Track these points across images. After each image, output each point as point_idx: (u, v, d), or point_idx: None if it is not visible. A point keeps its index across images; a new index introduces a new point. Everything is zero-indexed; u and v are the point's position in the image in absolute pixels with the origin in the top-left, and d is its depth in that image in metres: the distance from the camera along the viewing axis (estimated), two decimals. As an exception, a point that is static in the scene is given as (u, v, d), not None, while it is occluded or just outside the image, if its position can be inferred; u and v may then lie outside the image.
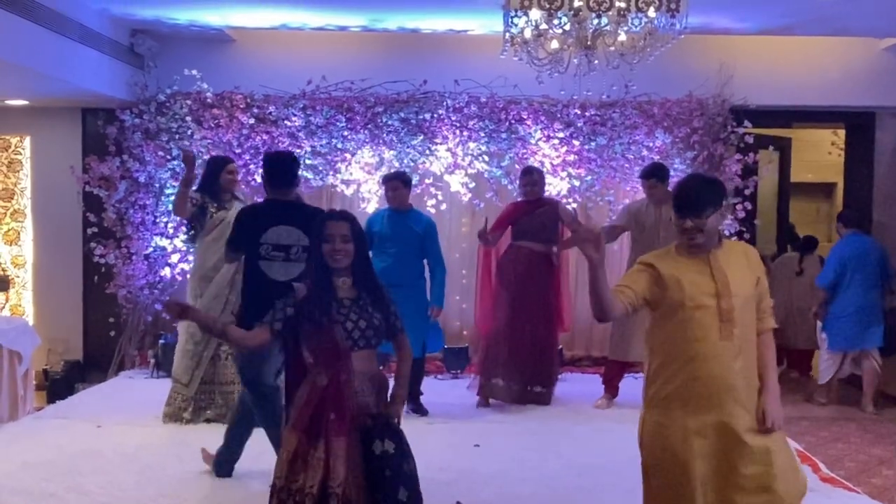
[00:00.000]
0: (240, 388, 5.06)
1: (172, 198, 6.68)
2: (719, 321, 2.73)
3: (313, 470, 2.70)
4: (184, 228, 5.74)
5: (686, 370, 2.76)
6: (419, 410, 5.39)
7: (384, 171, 6.76)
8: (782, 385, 2.90)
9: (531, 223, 5.77)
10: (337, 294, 2.87)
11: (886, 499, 4.23)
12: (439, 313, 5.54)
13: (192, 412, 5.16)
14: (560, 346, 6.93)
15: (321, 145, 6.78)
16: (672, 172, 6.71)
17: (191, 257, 6.80)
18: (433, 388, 5.73)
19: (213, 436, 4.88)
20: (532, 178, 5.82)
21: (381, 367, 3.03)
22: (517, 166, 6.89)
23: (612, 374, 5.98)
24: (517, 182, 6.86)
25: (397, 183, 5.50)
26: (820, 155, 8.87)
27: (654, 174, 5.75)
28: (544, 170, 6.86)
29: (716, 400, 2.73)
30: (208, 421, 5.16)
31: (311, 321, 2.82)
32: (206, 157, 6.65)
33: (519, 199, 5.99)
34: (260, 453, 4.51)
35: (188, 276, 5.36)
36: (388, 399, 2.96)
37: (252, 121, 6.68)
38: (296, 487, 2.71)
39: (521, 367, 5.69)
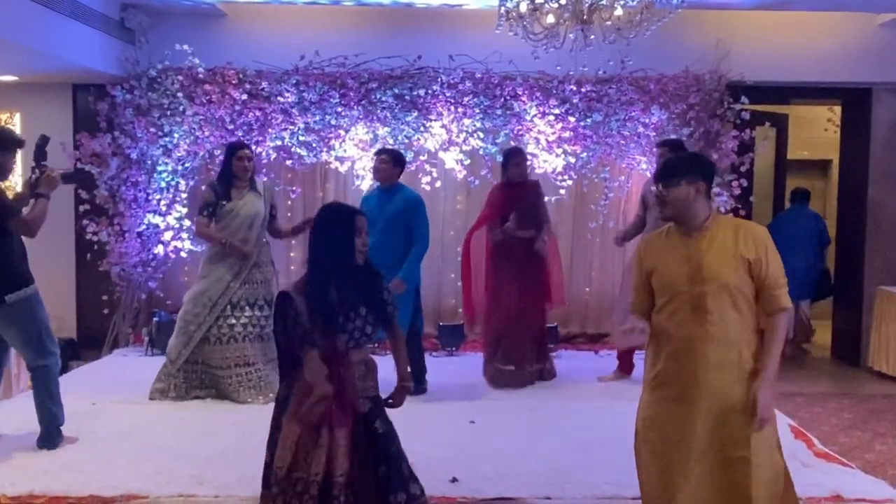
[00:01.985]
0: (228, 372, 5.10)
1: (165, 174, 6.67)
2: (690, 306, 2.71)
3: (318, 459, 2.71)
4: None
5: (668, 356, 2.78)
6: (419, 390, 5.37)
7: (378, 147, 6.71)
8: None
9: (517, 206, 5.66)
10: (350, 292, 2.83)
11: (880, 473, 4.25)
12: (400, 286, 4.99)
13: (178, 390, 5.18)
14: (555, 324, 6.96)
15: (314, 122, 6.72)
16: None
17: (184, 235, 6.80)
18: (429, 366, 5.72)
19: (207, 414, 4.90)
20: (518, 159, 5.76)
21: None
22: (512, 143, 6.86)
23: (623, 350, 5.98)
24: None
25: (386, 157, 5.42)
26: (816, 131, 8.83)
27: (666, 143, 5.76)
28: (539, 146, 6.86)
29: (692, 387, 2.73)
30: (196, 398, 5.19)
31: (314, 328, 2.78)
32: (198, 133, 6.63)
33: (502, 182, 5.88)
34: (252, 432, 4.52)
35: (201, 257, 5.45)
36: (395, 389, 2.99)
37: (245, 97, 6.61)
38: (297, 476, 2.72)
39: (522, 352, 5.70)
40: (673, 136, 6.44)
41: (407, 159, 6.92)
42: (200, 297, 5.17)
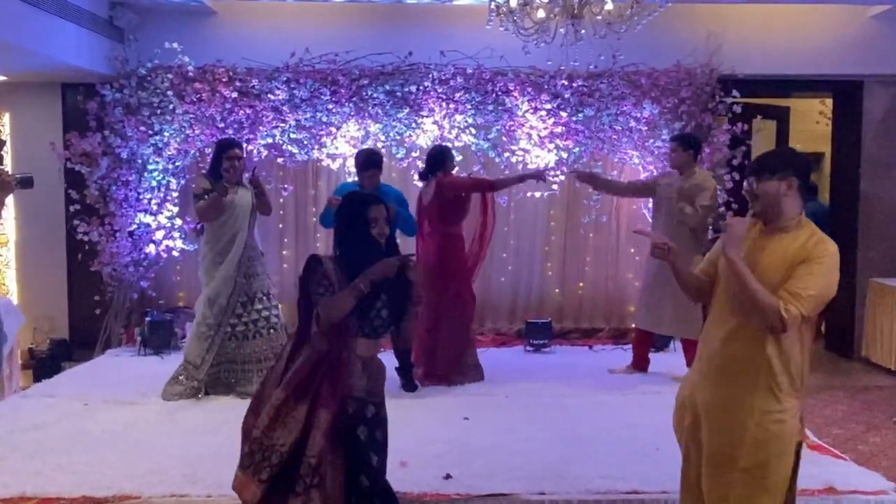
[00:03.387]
0: (259, 366, 5.09)
1: (156, 173, 6.63)
2: (727, 301, 2.67)
3: (288, 430, 2.73)
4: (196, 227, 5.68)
5: (705, 342, 2.76)
6: (408, 387, 5.37)
7: (369, 144, 6.70)
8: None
9: (461, 204, 5.65)
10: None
11: (873, 465, 4.26)
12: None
13: (201, 391, 5.17)
14: (549, 319, 6.96)
15: (305, 119, 6.70)
16: (660, 143, 6.72)
17: (175, 234, 6.78)
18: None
19: (199, 413, 4.88)
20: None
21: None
22: (504, 138, 6.85)
23: (638, 344, 5.99)
24: (503, 155, 6.87)
25: (375, 171, 5.33)
26: (808, 124, 8.84)
27: (677, 138, 5.78)
28: (531, 142, 6.85)
29: (707, 378, 2.70)
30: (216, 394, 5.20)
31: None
32: (188, 132, 6.61)
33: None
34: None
35: (200, 260, 5.36)
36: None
37: (235, 94, 6.58)
38: (268, 443, 2.74)
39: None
40: (686, 131, 6.43)
41: (399, 156, 6.94)
42: (216, 299, 5.14)
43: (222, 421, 4.68)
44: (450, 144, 6.76)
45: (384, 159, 5.63)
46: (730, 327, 2.64)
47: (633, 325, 6.32)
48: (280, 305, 5.45)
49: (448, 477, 3.78)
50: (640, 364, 5.94)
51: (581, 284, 7.40)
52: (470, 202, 5.72)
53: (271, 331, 5.23)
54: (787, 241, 2.61)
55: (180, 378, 5.19)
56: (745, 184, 2.72)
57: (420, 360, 5.60)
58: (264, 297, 5.25)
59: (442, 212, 5.57)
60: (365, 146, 6.50)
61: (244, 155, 5.41)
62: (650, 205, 6.26)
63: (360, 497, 2.80)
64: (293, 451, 2.72)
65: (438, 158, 5.63)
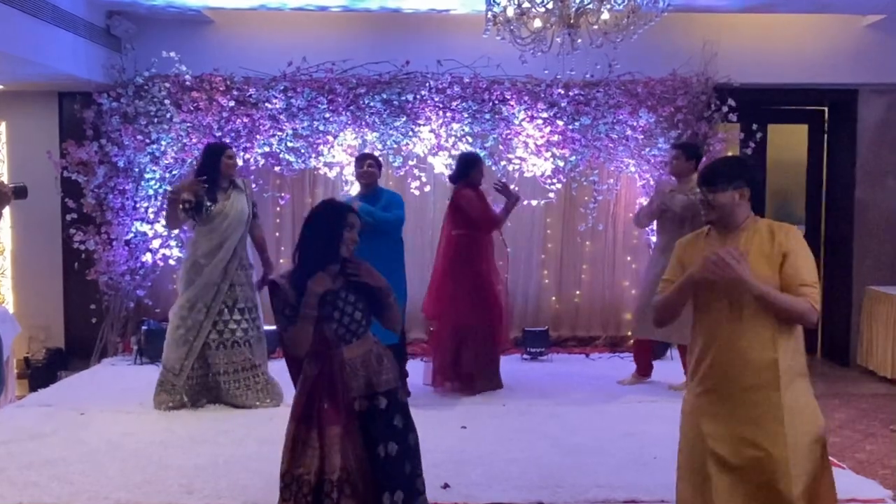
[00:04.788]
0: (236, 377, 5.09)
1: (152, 182, 6.64)
2: (729, 305, 2.73)
3: (309, 458, 2.75)
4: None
5: (707, 351, 2.80)
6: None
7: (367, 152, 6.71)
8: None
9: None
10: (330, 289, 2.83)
11: (870, 473, 4.27)
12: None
13: (186, 399, 5.16)
14: (546, 327, 6.96)
15: (303, 128, 6.70)
16: (656, 152, 6.74)
17: (172, 242, 6.77)
18: (418, 371, 5.71)
19: (196, 423, 4.87)
20: (482, 165, 5.80)
21: (375, 340, 2.99)
22: (501, 147, 6.87)
23: (638, 352, 6.02)
24: (499, 163, 6.88)
25: (372, 161, 5.42)
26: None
27: (679, 146, 5.79)
28: (528, 150, 6.87)
29: (728, 382, 2.74)
30: (200, 406, 5.18)
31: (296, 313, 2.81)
32: (185, 141, 6.61)
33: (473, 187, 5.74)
34: (242, 438, 4.51)
35: (182, 263, 5.38)
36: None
37: (232, 103, 6.59)
38: (297, 474, 2.76)
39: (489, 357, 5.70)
40: (687, 140, 6.41)
41: (396, 164, 6.96)
42: (195, 304, 5.12)
43: (219, 431, 4.69)
44: (446, 153, 6.81)
45: (382, 166, 5.66)
46: (735, 329, 2.73)
47: (630, 335, 6.29)
48: (258, 319, 5.35)
49: (446, 486, 3.78)
50: (646, 370, 5.97)
51: (578, 293, 7.41)
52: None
53: (234, 345, 5.14)
54: (753, 238, 2.77)
55: (164, 386, 5.18)
56: (700, 193, 2.84)
57: (443, 368, 5.61)
58: (246, 310, 5.21)
59: (454, 217, 5.64)
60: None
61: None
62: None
63: (381, 486, 2.81)
64: (319, 476, 2.74)
65: (462, 167, 5.69)
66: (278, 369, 5.51)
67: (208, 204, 5.12)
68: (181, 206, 5.08)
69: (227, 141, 6.55)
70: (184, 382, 5.13)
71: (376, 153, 6.71)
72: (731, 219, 2.81)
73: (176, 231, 6.09)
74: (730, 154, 6.72)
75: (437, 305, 5.65)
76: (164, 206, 5.20)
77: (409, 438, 2.93)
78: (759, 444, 2.70)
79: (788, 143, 7.59)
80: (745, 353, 2.73)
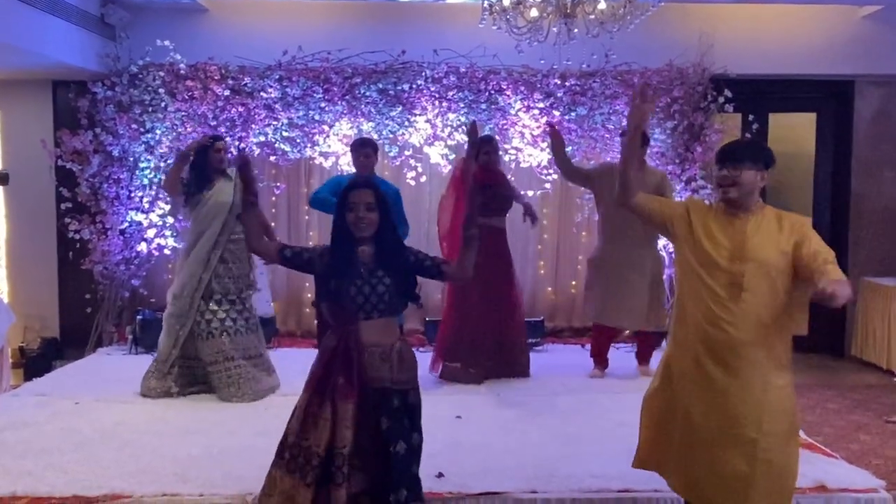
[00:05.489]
0: (215, 368, 5.06)
1: (147, 171, 6.62)
2: (728, 283, 2.78)
3: (320, 431, 2.79)
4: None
5: (699, 325, 2.85)
6: None
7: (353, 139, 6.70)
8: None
9: (489, 197, 5.56)
10: (355, 261, 2.88)
11: (864, 463, 4.29)
12: None
13: (174, 387, 5.15)
14: (542, 318, 6.97)
15: (298, 117, 6.68)
16: (652, 143, 6.72)
17: (167, 232, 6.76)
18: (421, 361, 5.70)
19: (191, 412, 4.86)
20: (493, 146, 5.65)
21: (402, 337, 3.01)
22: (497, 137, 6.83)
23: (599, 344, 5.86)
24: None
25: (370, 150, 5.39)
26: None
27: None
28: (524, 140, 6.85)
29: (721, 360, 2.82)
30: (192, 394, 5.16)
31: (324, 282, 2.90)
32: (180, 130, 6.59)
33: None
34: (236, 431, 4.50)
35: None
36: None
37: (227, 93, 6.57)
38: (306, 445, 2.81)
39: (488, 352, 5.59)
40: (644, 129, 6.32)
41: (392, 154, 6.94)
42: (181, 292, 5.14)
43: (214, 422, 4.68)
44: (442, 143, 6.79)
45: (378, 150, 5.63)
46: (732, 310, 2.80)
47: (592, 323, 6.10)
48: (248, 310, 5.30)
49: (440, 476, 3.78)
50: (601, 363, 5.83)
51: (573, 283, 7.41)
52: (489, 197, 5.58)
53: (210, 336, 5.07)
54: (762, 223, 2.83)
55: (154, 373, 5.18)
56: (723, 170, 2.87)
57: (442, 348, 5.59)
58: (236, 300, 5.18)
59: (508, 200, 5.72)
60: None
61: (227, 148, 5.35)
62: None
63: (391, 483, 2.84)
64: (329, 448, 2.78)
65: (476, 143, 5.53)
66: (277, 357, 5.55)
67: (196, 194, 5.10)
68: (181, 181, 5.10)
69: (222, 130, 6.54)
70: (170, 370, 5.14)
71: (360, 137, 6.70)
72: (748, 199, 2.85)
73: (173, 198, 5.95)
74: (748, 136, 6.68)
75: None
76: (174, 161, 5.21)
77: (413, 438, 2.93)
78: (733, 412, 2.80)
79: (788, 135, 7.58)
80: (739, 332, 2.78)
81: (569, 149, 6.85)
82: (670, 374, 3.00)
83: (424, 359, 6.19)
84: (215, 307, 5.11)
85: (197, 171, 5.13)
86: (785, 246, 2.79)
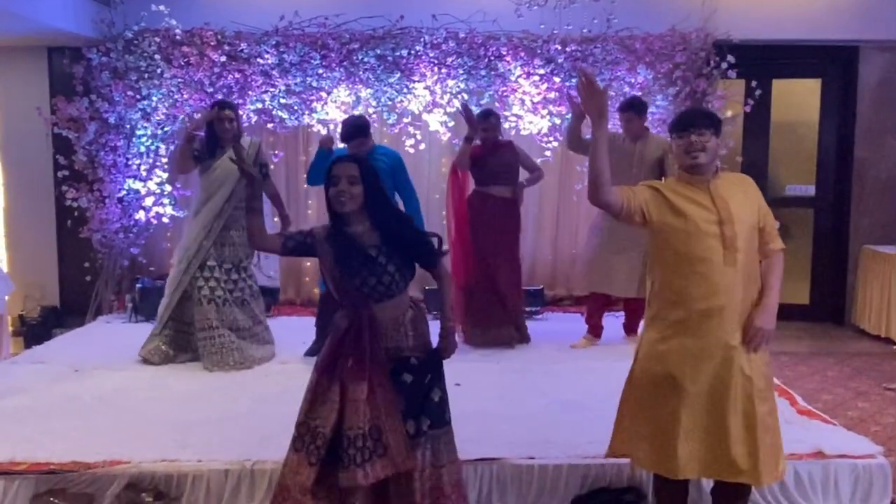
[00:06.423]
0: (201, 335, 5.03)
1: (144, 138, 6.57)
2: (723, 248, 2.79)
3: (327, 412, 2.75)
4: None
5: (689, 294, 2.83)
6: None
7: (360, 110, 6.63)
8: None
9: (494, 166, 5.57)
10: (355, 251, 2.79)
11: (862, 430, 4.29)
12: None
13: (164, 351, 5.17)
14: (541, 286, 6.95)
15: (295, 84, 6.61)
16: (654, 109, 6.65)
17: (165, 200, 6.73)
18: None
19: (190, 379, 4.87)
20: (490, 122, 5.61)
21: (412, 303, 2.98)
22: (497, 104, 6.77)
23: (593, 311, 5.85)
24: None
25: (362, 139, 5.08)
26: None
27: (632, 107, 5.56)
28: (524, 108, 6.78)
29: (716, 325, 2.81)
30: (183, 362, 5.17)
31: (327, 268, 2.83)
32: (177, 96, 6.52)
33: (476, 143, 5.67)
34: (236, 396, 4.51)
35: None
36: (440, 337, 3.00)
37: (223, 59, 6.49)
38: (313, 425, 2.78)
39: (495, 313, 5.62)
40: (633, 95, 6.22)
41: (390, 122, 6.87)
42: (183, 255, 5.14)
43: (213, 388, 4.69)
44: (441, 110, 6.73)
45: (374, 126, 5.54)
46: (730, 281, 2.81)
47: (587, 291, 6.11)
48: (249, 279, 5.27)
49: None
50: (595, 331, 5.83)
51: (573, 251, 7.38)
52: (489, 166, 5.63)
53: (199, 302, 5.03)
54: (729, 187, 2.89)
55: (152, 336, 5.22)
56: (690, 136, 2.86)
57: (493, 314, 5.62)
58: (233, 269, 5.14)
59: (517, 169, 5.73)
60: (355, 112, 6.43)
61: (236, 117, 5.11)
62: None
63: (424, 433, 2.89)
64: (335, 430, 2.74)
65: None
66: (276, 325, 5.54)
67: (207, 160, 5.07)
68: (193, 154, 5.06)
69: (219, 97, 6.45)
70: (162, 331, 5.17)
71: (370, 110, 6.63)
72: (713, 164, 2.90)
73: (180, 174, 5.92)
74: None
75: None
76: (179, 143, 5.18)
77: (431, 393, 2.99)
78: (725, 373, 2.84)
79: (792, 101, 7.50)
80: (737, 294, 2.81)
81: (570, 116, 6.77)
82: (658, 357, 2.93)
83: (434, 326, 6.20)
84: (208, 274, 5.08)
85: (207, 137, 5.08)
86: (753, 204, 2.89)
